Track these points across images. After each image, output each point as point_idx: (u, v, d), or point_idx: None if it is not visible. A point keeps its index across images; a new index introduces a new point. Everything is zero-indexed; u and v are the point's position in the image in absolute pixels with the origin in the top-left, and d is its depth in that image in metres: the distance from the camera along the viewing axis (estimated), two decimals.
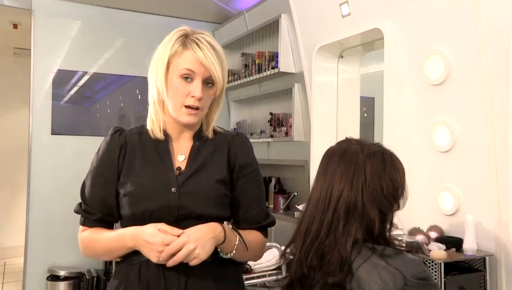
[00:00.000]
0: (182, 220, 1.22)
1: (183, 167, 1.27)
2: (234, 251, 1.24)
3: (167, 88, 1.24)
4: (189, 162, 1.28)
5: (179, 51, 1.23)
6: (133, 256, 1.23)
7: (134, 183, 1.24)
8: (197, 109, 1.24)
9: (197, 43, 1.23)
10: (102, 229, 1.29)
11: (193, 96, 1.22)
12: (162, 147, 1.29)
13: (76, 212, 1.31)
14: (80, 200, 1.31)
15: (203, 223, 1.21)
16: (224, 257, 1.24)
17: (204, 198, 1.25)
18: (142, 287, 1.21)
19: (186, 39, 1.24)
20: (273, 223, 1.38)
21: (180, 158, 1.29)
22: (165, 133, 1.29)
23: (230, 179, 1.31)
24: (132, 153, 1.28)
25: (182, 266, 1.16)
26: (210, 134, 1.32)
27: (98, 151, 1.31)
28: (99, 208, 1.28)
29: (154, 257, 1.15)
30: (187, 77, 1.22)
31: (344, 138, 1.21)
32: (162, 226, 1.17)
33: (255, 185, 1.35)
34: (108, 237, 1.25)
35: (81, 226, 1.30)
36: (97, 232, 1.28)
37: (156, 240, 1.14)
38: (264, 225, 1.36)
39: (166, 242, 1.13)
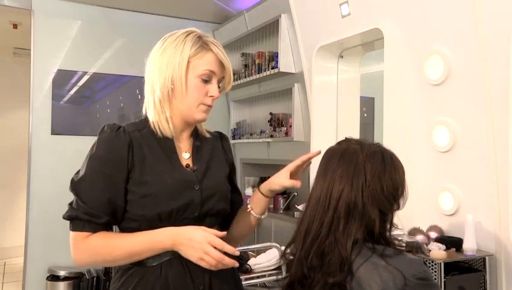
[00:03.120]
0: (202, 217, 1.26)
1: (191, 165, 1.30)
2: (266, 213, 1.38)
3: (186, 88, 1.26)
4: (194, 160, 1.31)
5: (199, 51, 1.26)
6: (149, 259, 1.21)
7: (157, 182, 1.22)
8: (210, 106, 1.30)
9: (216, 45, 1.28)
10: (112, 234, 1.23)
11: (211, 96, 1.28)
12: (168, 144, 1.28)
13: (74, 217, 1.20)
14: (66, 206, 1.22)
15: (216, 219, 1.31)
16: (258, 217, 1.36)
17: (220, 194, 1.31)
18: (167, 288, 1.21)
19: (201, 40, 1.27)
20: None
21: (186, 156, 1.31)
22: (171, 131, 1.30)
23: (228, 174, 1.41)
24: (140, 151, 1.25)
25: None
26: (206, 133, 1.38)
27: (97, 149, 1.23)
28: (106, 210, 1.20)
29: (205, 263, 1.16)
30: (206, 78, 1.27)
31: (344, 138, 1.22)
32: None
33: (234, 175, 1.48)
34: (134, 241, 1.20)
35: (79, 233, 1.20)
36: (112, 237, 1.21)
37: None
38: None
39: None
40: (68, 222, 1.22)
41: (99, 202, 1.20)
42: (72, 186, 1.23)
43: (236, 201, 1.44)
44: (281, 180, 1.31)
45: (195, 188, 1.26)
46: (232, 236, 1.37)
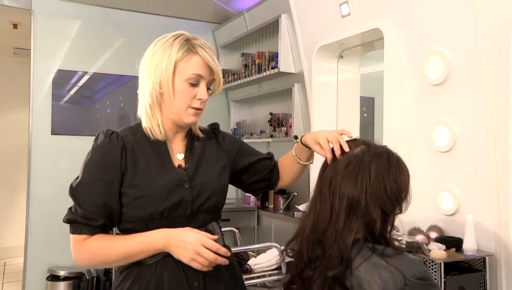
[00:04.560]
0: (195, 213, 1.29)
1: (183, 165, 1.32)
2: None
3: (174, 92, 1.26)
4: (187, 159, 1.33)
5: (185, 56, 1.26)
6: (145, 257, 1.24)
7: (147, 184, 1.25)
8: (200, 109, 1.30)
9: (203, 48, 1.27)
10: (110, 236, 1.26)
11: (199, 99, 1.28)
12: (160, 147, 1.31)
13: (73, 221, 1.23)
14: (65, 210, 1.25)
15: (210, 215, 1.33)
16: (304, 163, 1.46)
17: (211, 190, 1.33)
18: (161, 286, 1.23)
19: (189, 44, 1.27)
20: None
21: (180, 157, 1.33)
22: (165, 134, 1.32)
23: (232, 163, 1.44)
24: (133, 154, 1.27)
25: None
26: (200, 133, 1.40)
27: (92, 156, 1.27)
28: (103, 213, 1.24)
29: (198, 265, 1.19)
30: (193, 82, 1.27)
31: (351, 138, 1.23)
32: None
33: (248, 147, 1.53)
34: (129, 242, 1.23)
35: (78, 235, 1.23)
36: (109, 240, 1.25)
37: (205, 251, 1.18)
38: (271, 156, 1.56)
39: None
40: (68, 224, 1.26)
41: (95, 206, 1.23)
42: (70, 191, 1.26)
43: (268, 163, 1.51)
44: (315, 143, 1.30)
45: (185, 186, 1.28)
46: (285, 183, 1.54)
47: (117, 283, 1.29)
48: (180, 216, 1.26)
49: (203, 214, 1.31)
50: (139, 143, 1.29)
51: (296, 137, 1.48)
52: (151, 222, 1.24)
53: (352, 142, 1.20)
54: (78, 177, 1.27)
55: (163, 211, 1.24)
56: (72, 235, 1.25)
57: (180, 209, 1.26)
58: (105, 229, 1.26)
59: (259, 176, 1.51)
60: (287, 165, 1.52)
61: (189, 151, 1.35)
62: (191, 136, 1.38)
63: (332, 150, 1.20)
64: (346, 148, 1.17)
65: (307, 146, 1.39)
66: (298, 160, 1.45)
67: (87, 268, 3.89)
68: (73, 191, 1.25)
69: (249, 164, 1.49)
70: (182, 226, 1.26)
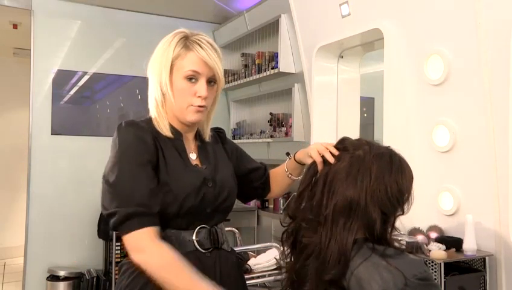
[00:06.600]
0: (213, 213, 1.30)
1: (199, 164, 1.33)
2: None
3: (172, 90, 1.26)
4: (201, 160, 1.34)
5: (181, 53, 1.26)
6: None
7: (176, 179, 1.24)
8: (202, 107, 1.28)
9: (199, 44, 1.26)
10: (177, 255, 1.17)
11: (199, 96, 1.27)
12: (178, 143, 1.30)
13: (132, 215, 1.13)
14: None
15: (223, 215, 1.35)
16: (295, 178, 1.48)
17: (229, 190, 1.36)
18: None
19: (186, 41, 1.27)
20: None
21: (193, 156, 1.34)
22: (177, 132, 1.31)
23: (234, 169, 1.45)
24: (159, 147, 1.26)
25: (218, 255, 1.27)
26: (207, 136, 1.40)
27: (124, 143, 1.21)
28: (155, 199, 1.18)
29: None
30: (191, 78, 1.26)
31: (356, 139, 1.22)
32: None
33: (245, 154, 1.57)
34: (191, 277, 1.14)
35: (142, 230, 1.13)
36: (181, 261, 1.15)
37: None
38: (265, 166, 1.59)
39: None
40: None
41: (147, 191, 1.18)
42: (111, 188, 1.18)
43: (263, 173, 1.55)
44: (307, 157, 1.31)
45: (209, 185, 1.29)
46: (275, 194, 1.57)
47: (126, 283, 1.24)
48: (202, 214, 1.27)
49: (219, 214, 1.33)
50: (159, 135, 1.28)
51: (288, 154, 1.51)
52: (176, 218, 1.23)
53: (340, 144, 1.20)
54: (108, 174, 1.19)
55: (189, 209, 1.24)
56: (132, 234, 1.14)
57: (202, 208, 1.27)
58: (158, 221, 1.18)
59: (254, 184, 1.53)
60: (278, 178, 1.54)
61: (201, 152, 1.36)
62: (200, 138, 1.39)
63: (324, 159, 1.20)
64: (336, 153, 1.18)
65: (300, 162, 1.42)
66: (290, 175, 1.49)
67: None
68: (116, 186, 1.17)
69: (247, 172, 1.51)
70: (202, 224, 1.28)
